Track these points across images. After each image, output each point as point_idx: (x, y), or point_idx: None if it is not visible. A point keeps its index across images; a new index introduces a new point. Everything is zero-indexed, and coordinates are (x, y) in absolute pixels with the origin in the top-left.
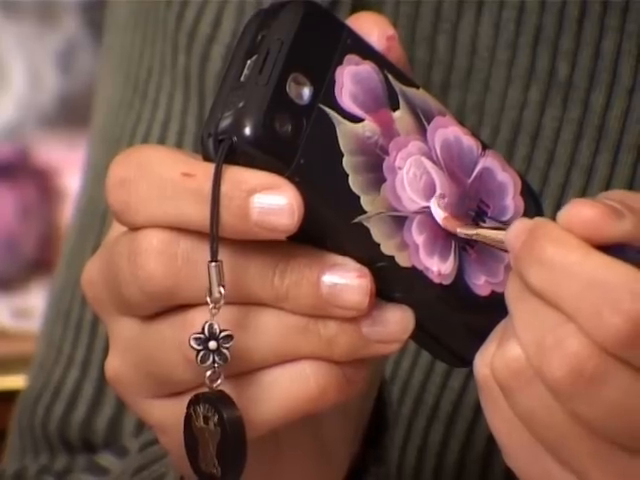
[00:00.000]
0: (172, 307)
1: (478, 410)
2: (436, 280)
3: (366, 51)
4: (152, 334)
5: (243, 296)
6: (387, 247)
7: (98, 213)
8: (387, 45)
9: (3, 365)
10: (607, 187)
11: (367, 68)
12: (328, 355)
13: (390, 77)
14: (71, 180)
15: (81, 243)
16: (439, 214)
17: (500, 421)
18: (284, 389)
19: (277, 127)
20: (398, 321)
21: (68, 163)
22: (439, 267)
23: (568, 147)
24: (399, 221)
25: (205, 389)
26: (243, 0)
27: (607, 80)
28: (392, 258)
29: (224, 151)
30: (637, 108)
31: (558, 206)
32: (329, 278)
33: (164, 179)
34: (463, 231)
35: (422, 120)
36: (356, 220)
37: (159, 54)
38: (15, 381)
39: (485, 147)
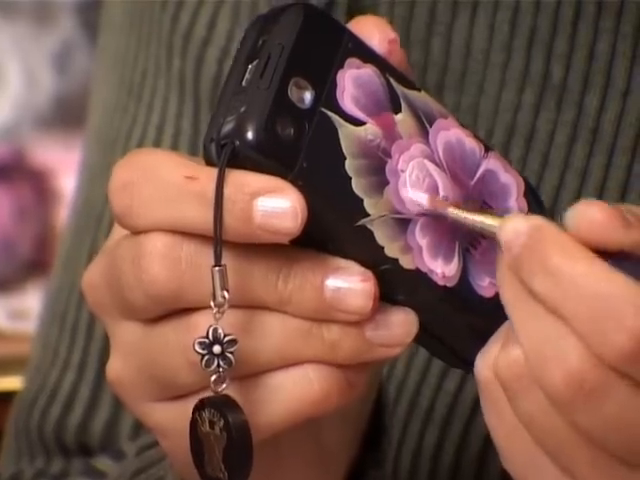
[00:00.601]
0: (175, 310)
1: (473, 412)
2: (440, 282)
3: (367, 54)
4: (155, 337)
5: (247, 300)
6: (391, 250)
7: (94, 215)
8: (388, 48)
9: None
10: (602, 189)
11: (368, 71)
12: (331, 359)
13: (392, 80)
14: (67, 181)
15: (77, 245)
16: (422, 196)
17: (500, 423)
18: (288, 392)
19: (279, 131)
20: (401, 325)
21: (64, 164)
22: (443, 269)
23: (562, 150)
24: (402, 223)
25: (209, 393)
26: (238, 1)
27: (601, 82)
28: (396, 261)
29: (227, 155)
30: (631, 111)
31: (553, 208)
32: (332, 282)
33: (167, 182)
34: (454, 211)
35: (424, 122)
36: (359, 223)
37: (154, 57)
38: (12, 382)
39: (487, 149)
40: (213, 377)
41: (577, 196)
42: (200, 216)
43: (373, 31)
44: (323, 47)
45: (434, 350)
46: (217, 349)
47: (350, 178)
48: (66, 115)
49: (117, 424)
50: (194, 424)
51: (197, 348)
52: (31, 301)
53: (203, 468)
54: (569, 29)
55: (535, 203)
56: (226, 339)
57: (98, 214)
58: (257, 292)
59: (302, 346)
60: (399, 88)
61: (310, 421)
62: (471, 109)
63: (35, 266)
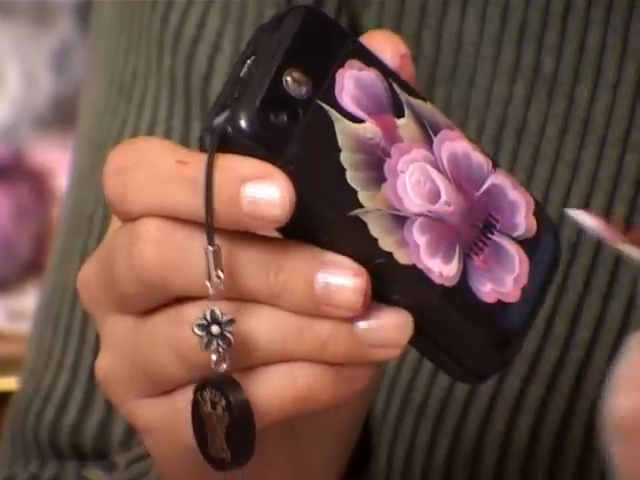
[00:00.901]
0: (167, 302)
1: (466, 408)
2: (438, 281)
3: (370, 60)
4: (145, 330)
5: (237, 291)
6: (385, 243)
7: (85, 216)
8: (400, 63)
9: None
10: (593, 181)
11: (371, 75)
12: (320, 357)
13: (395, 86)
14: (66, 181)
15: (69, 247)
16: (588, 218)
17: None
18: (271, 387)
19: (271, 118)
20: (395, 325)
21: (63, 164)
22: (441, 268)
23: (553, 142)
24: (399, 220)
25: (208, 375)
26: (228, 0)
27: (592, 74)
28: (391, 254)
29: (216, 138)
30: (622, 102)
31: (544, 201)
32: (323, 276)
33: (159, 167)
34: (620, 247)
35: (428, 131)
36: (353, 213)
37: (144, 56)
38: (10, 382)
39: (495, 165)
40: (213, 357)
41: (568, 188)
42: (191, 201)
43: (385, 45)
44: (323, 46)
45: (438, 359)
46: (216, 329)
47: (345, 170)
48: (65, 115)
49: (110, 426)
50: (196, 405)
51: (196, 330)
52: (30, 301)
53: (206, 449)
54: (559, 22)
55: (545, 224)
56: (224, 319)
57: (89, 215)
58: (248, 284)
59: (292, 343)
60: (403, 95)
61: (293, 440)
62: (462, 102)
63: (34, 266)
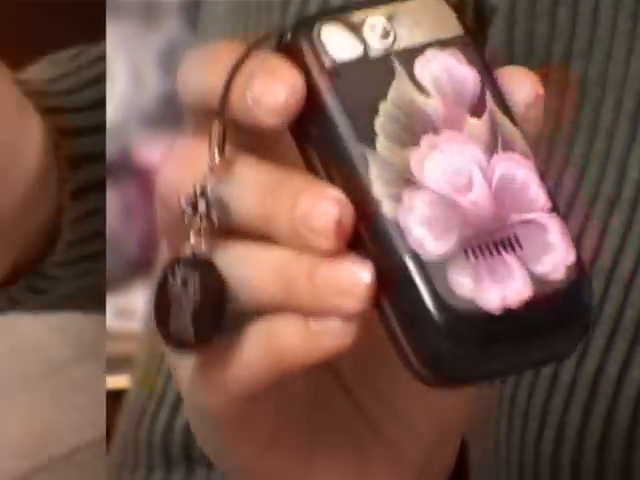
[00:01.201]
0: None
1: (619, 385)
2: (412, 245)
3: (477, 63)
4: None
5: (229, 220)
6: (378, 191)
7: None
8: (534, 100)
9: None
10: None
11: (466, 70)
12: (287, 300)
13: (488, 95)
14: None
15: None
16: None
17: None
18: (250, 345)
19: (332, 39)
20: (351, 271)
21: None
22: (423, 237)
23: None
24: (408, 182)
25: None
26: None
27: None
28: (378, 203)
29: (265, 36)
30: None
31: None
32: (307, 199)
33: (218, 60)
34: None
35: (498, 144)
36: (361, 148)
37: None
38: (121, 381)
39: (556, 211)
40: (194, 237)
41: None
42: (217, 85)
43: (525, 80)
44: (432, 25)
45: (394, 336)
46: (202, 207)
47: (377, 114)
48: (172, 114)
49: None
50: (165, 280)
51: (182, 203)
52: (138, 299)
53: (167, 328)
54: None
55: (582, 286)
56: (212, 195)
57: None
58: (241, 207)
59: (266, 279)
60: (491, 104)
61: None
62: (600, 77)
63: (142, 264)
